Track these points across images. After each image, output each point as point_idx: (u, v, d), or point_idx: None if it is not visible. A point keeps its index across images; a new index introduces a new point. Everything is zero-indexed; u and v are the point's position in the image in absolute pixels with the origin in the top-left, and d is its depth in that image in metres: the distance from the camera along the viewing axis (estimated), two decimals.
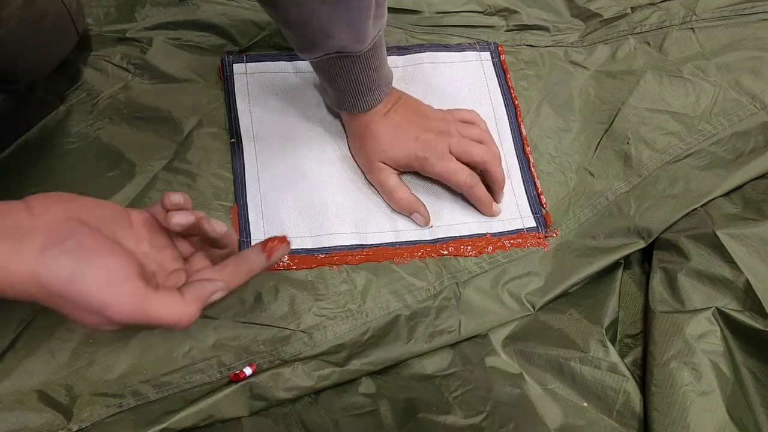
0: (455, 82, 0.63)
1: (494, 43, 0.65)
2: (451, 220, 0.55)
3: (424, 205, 0.55)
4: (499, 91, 0.62)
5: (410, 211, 0.55)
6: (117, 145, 0.53)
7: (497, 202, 0.57)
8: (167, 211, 0.39)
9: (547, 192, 0.58)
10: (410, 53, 0.63)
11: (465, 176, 0.54)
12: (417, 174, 0.56)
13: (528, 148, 0.60)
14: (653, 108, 0.61)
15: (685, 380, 0.44)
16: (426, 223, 0.55)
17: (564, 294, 0.52)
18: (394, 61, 0.62)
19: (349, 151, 0.57)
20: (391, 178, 0.54)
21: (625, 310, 0.52)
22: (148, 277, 0.36)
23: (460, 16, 0.67)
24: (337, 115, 0.58)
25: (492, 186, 0.56)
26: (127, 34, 0.58)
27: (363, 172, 0.56)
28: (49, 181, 0.50)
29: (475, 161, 0.54)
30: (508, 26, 0.67)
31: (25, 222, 0.33)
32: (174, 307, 0.35)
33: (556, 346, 0.49)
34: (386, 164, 0.54)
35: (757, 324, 0.45)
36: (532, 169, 0.59)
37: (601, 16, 0.67)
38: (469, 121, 0.57)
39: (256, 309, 0.49)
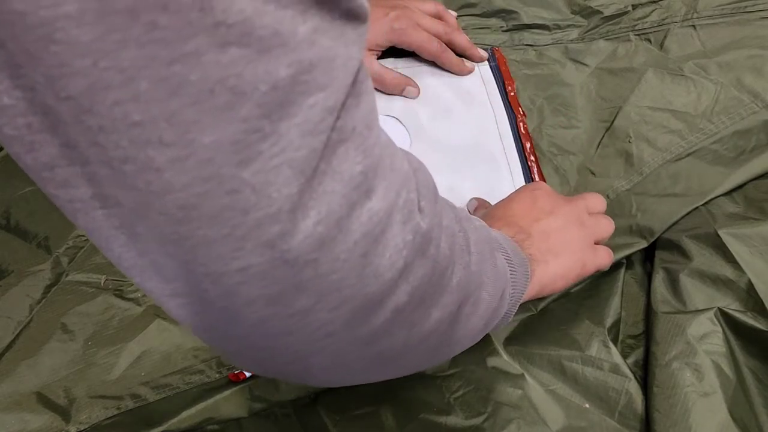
0: (453, 86, 0.62)
1: (491, 47, 0.65)
2: None
3: (411, 79, 0.61)
4: (498, 94, 0.62)
5: (403, 88, 0.60)
6: None
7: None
8: None
9: None
10: (409, 57, 0.63)
11: (436, 44, 0.61)
12: None
13: (530, 148, 0.59)
14: (654, 106, 0.60)
15: (687, 381, 0.44)
16: (417, 93, 0.61)
17: (566, 293, 0.52)
18: (393, 64, 0.62)
19: None
20: (375, 64, 0.60)
21: (627, 310, 0.51)
22: None
23: (458, 20, 0.66)
24: None
25: (460, 52, 0.63)
26: None
27: None
28: None
29: (438, 33, 0.61)
30: (507, 26, 0.67)
31: None
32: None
33: (558, 347, 0.49)
34: (367, 49, 0.58)
35: (759, 325, 0.45)
36: (533, 167, 0.58)
37: (602, 13, 0.67)
38: None
39: None
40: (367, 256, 0.24)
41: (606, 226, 0.49)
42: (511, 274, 0.39)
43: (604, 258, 0.47)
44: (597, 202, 0.50)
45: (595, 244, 0.48)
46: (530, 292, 0.43)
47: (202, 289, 0.22)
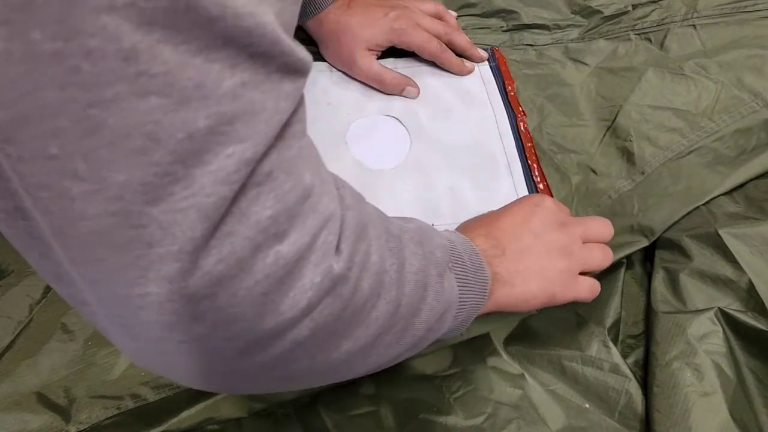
0: (453, 86, 0.62)
1: (491, 47, 0.65)
2: (452, 218, 0.55)
3: (411, 79, 0.61)
4: (498, 94, 0.62)
5: (403, 87, 0.60)
6: None
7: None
8: None
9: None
10: (409, 57, 0.63)
11: (436, 44, 0.61)
12: (415, 168, 0.56)
13: (531, 147, 0.59)
14: (655, 105, 0.60)
15: (687, 381, 0.44)
16: (417, 93, 0.60)
17: None
18: (393, 64, 0.62)
19: (346, 149, 0.57)
20: (375, 64, 0.60)
21: (627, 310, 0.51)
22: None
23: (458, 20, 0.66)
24: (335, 113, 0.58)
25: (460, 53, 0.63)
26: None
27: (347, 74, 0.61)
28: None
29: (438, 33, 0.61)
30: (507, 26, 0.67)
31: None
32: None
33: (558, 347, 0.49)
34: (367, 49, 0.58)
35: (759, 324, 0.45)
36: (533, 166, 0.58)
37: (602, 12, 0.67)
38: None
39: None
40: (268, 294, 0.24)
41: (599, 258, 0.47)
42: (463, 293, 0.38)
43: (583, 291, 0.46)
44: (600, 229, 0.48)
45: (584, 274, 0.47)
46: (486, 309, 0.42)
47: (107, 305, 0.23)
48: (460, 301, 0.38)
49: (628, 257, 0.53)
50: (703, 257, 0.50)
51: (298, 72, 0.24)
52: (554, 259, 0.45)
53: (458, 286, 0.38)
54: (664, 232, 0.53)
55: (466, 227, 0.47)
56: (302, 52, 0.24)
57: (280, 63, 0.23)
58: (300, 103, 0.25)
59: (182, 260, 0.21)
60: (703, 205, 0.54)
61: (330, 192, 0.27)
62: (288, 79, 0.23)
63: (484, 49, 0.65)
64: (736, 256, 0.48)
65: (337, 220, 0.27)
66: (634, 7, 0.66)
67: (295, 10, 0.24)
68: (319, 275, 0.26)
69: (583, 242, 0.47)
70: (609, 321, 0.50)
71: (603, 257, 0.47)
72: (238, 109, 0.21)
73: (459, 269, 0.39)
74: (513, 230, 0.45)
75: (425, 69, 0.63)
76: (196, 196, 0.21)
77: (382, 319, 0.31)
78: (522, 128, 0.60)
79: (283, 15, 0.23)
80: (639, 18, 0.66)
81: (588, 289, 0.46)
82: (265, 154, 0.23)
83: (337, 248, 0.27)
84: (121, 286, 0.22)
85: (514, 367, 0.48)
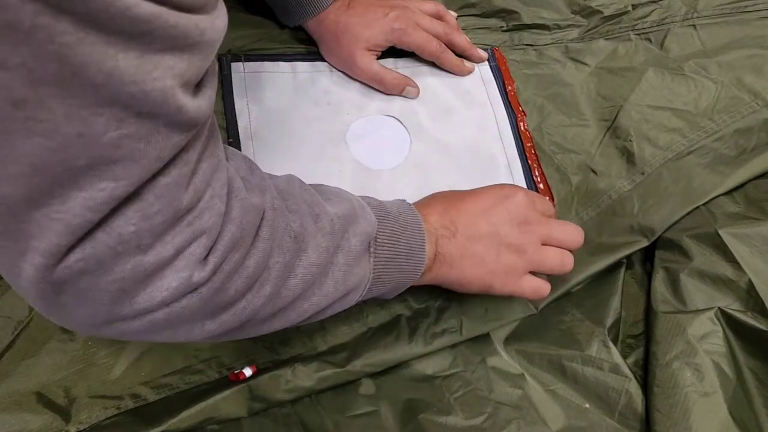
0: (453, 86, 0.62)
1: (491, 47, 0.65)
2: None
3: (411, 79, 0.60)
4: (498, 94, 0.62)
5: (403, 87, 0.60)
6: None
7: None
8: None
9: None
10: (409, 57, 0.63)
11: (436, 44, 0.60)
12: (415, 168, 0.56)
13: (531, 147, 0.59)
14: (655, 105, 0.60)
15: (688, 381, 0.44)
16: (417, 93, 0.60)
17: (566, 293, 0.52)
18: (393, 64, 0.62)
19: (346, 149, 0.57)
20: (375, 64, 0.59)
21: (627, 310, 0.51)
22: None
23: (458, 20, 0.66)
24: (335, 113, 0.58)
25: (459, 53, 0.63)
26: None
27: (347, 75, 0.60)
28: None
29: (438, 33, 0.61)
30: (507, 26, 0.67)
31: None
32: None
33: (558, 347, 0.49)
34: (367, 49, 0.58)
35: (759, 324, 0.45)
36: (533, 167, 0.58)
37: (602, 12, 0.67)
38: None
39: None
40: (125, 290, 0.28)
41: (554, 262, 0.47)
42: (384, 273, 0.42)
43: (527, 289, 0.47)
44: (566, 233, 0.48)
45: (535, 273, 0.48)
46: (422, 281, 0.46)
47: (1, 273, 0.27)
48: (377, 281, 0.42)
49: (628, 257, 0.53)
50: (703, 257, 0.50)
51: (191, 126, 0.26)
52: (502, 252, 0.46)
53: (381, 267, 0.42)
54: (664, 232, 0.53)
55: (431, 199, 0.49)
56: (193, 112, 0.26)
57: (167, 121, 0.25)
58: (196, 135, 0.28)
59: (47, 257, 0.25)
60: (703, 205, 0.54)
61: (213, 208, 0.30)
62: (178, 132, 0.26)
63: (484, 49, 0.65)
64: (736, 256, 0.48)
65: (213, 234, 0.30)
66: (634, 7, 0.66)
67: (204, 64, 0.26)
68: (176, 281, 0.29)
69: (544, 244, 0.47)
70: (609, 321, 0.50)
71: (559, 262, 0.47)
72: (119, 156, 0.24)
73: (387, 252, 0.42)
74: (471, 216, 0.46)
75: (425, 69, 0.63)
76: (67, 213, 0.24)
77: (252, 308, 0.33)
78: (522, 128, 0.60)
79: (187, 73, 0.25)
80: (639, 18, 0.66)
81: (532, 288, 0.47)
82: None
83: (205, 259, 0.30)
84: (6, 259, 0.26)
85: (514, 367, 0.48)
